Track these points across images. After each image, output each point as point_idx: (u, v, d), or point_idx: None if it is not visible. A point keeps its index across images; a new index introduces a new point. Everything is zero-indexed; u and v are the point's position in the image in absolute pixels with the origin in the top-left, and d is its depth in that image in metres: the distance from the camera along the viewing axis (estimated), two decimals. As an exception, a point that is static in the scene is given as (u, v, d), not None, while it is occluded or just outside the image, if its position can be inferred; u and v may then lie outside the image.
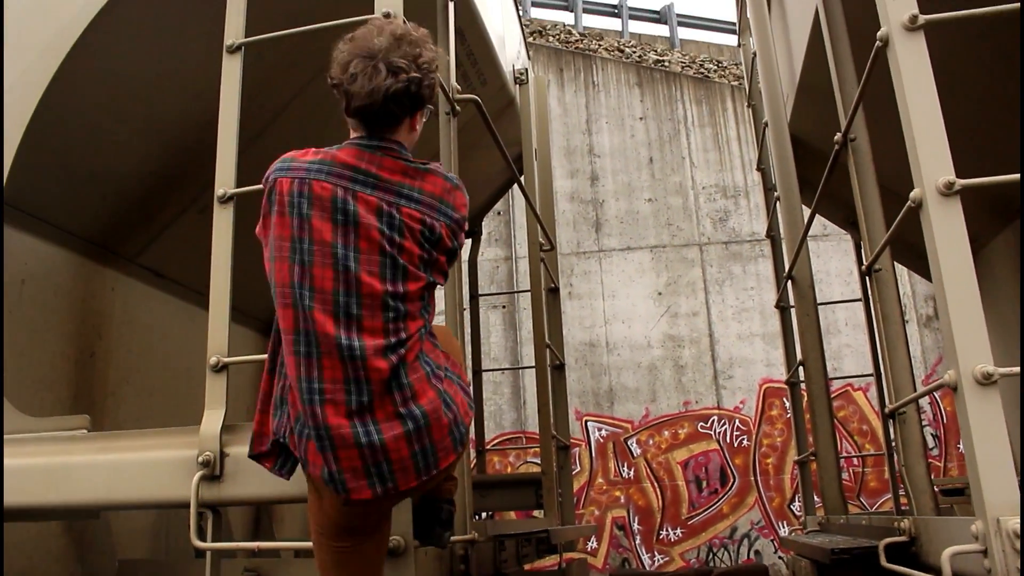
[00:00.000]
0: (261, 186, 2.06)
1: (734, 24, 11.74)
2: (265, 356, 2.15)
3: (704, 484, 10.51)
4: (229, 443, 2.43)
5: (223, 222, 2.58)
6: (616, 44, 12.93)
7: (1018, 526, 1.94)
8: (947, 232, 2.23)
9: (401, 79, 2.00)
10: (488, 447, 10.44)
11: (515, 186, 6.04)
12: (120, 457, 2.58)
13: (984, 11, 2.57)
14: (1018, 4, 2.46)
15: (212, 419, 2.45)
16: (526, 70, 5.63)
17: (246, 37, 2.72)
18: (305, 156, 2.07)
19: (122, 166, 3.64)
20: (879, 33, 2.45)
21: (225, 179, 2.59)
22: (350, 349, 1.92)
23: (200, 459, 2.39)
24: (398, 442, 1.94)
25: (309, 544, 2.14)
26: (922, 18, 2.37)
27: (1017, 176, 2.43)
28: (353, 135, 2.11)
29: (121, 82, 3.33)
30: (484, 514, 7.57)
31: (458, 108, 3.14)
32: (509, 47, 5.51)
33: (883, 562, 2.77)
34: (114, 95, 3.36)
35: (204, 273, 2.61)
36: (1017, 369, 2.52)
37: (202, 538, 2.34)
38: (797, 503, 10.16)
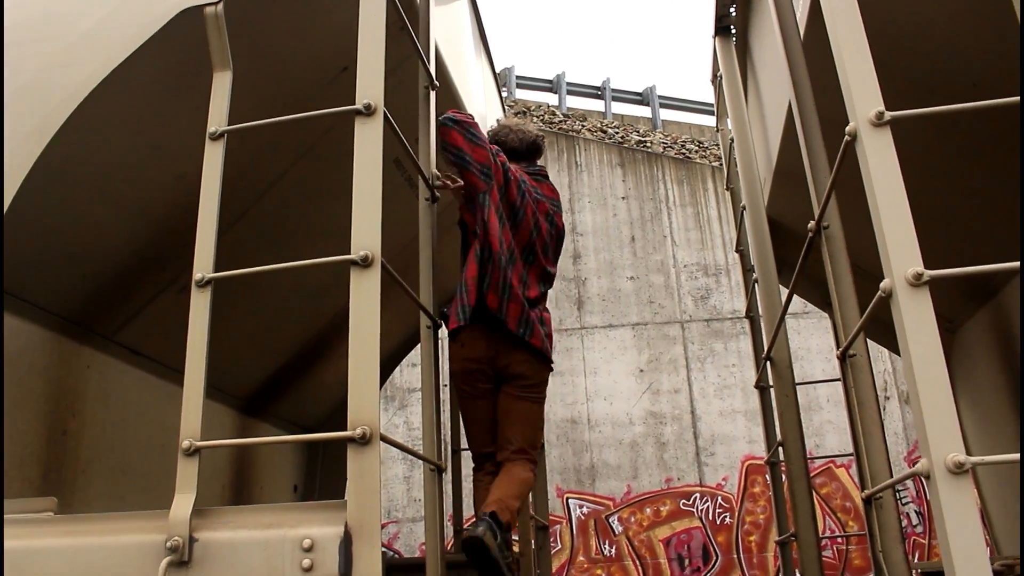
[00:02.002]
0: (242, 270, 2.09)
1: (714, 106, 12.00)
2: (239, 440, 2.16)
3: (687, 562, 10.38)
4: (199, 528, 2.39)
5: (200, 305, 2.58)
6: (599, 125, 13.19)
7: (993, 619, 1.93)
8: (917, 322, 2.26)
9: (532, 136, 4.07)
10: (467, 526, 10.29)
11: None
12: (85, 541, 2.52)
13: (948, 108, 2.65)
14: (981, 103, 2.54)
15: (182, 504, 2.41)
16: (508, 151, 5.71)
17: (229, 124, 2.77)
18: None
19: (103, 245, 3.66)
20: (847, 128, 2.52)
21: (204, 263, 2.60)
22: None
23: (168, 544, 2.35)
24: None
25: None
26: (888, 114, 2.44)
27: (985, 267, 2.47)
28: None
29: (105, 164, 3.36)
30: (462, 596, 7.43)
31: (438, 194, 3.19)
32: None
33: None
34: (97, 176, 3.39)
35: (182, 351, 2.61)
36: (991, 459, 2.54)
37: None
38: (782, 585, 10.05)
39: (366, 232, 2.43)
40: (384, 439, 2.30)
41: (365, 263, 2.38)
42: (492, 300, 3.46)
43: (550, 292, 3.95)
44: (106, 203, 3.46)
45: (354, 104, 2.58)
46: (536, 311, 3.62)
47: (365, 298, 2.37)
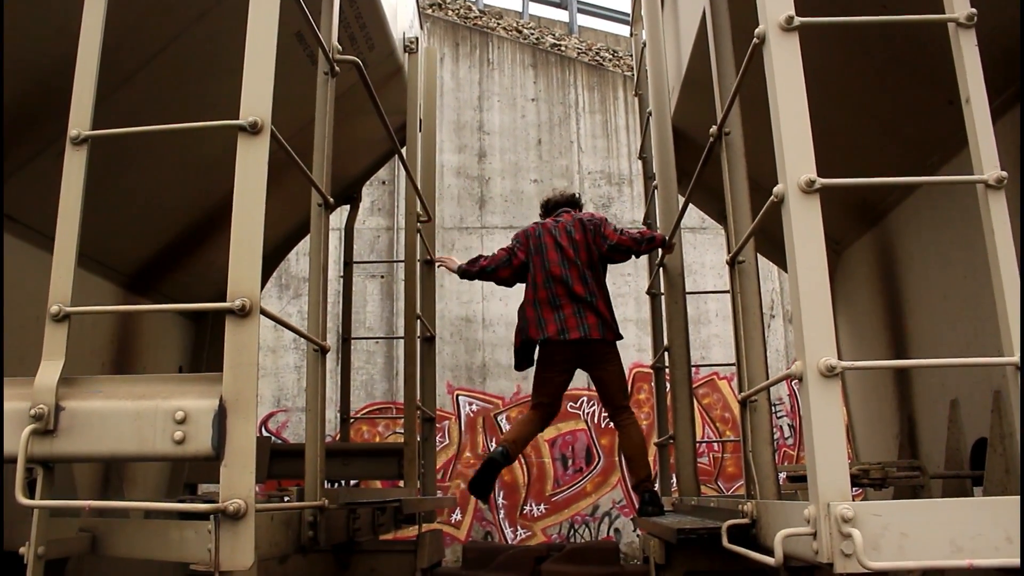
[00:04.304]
0: (121, 129, 1.96)
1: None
2: (111, 308, 2.07)
3: (570, 462, 10.70)
4: (67, 396, 2.29)
5: (75, 165, 2.43)
6: (515, 24, 12.92)
7: (846, 511, 2.03)
8: (804, 228, 2.30)
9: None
10: (356, 416, 10.36)
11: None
12: (-54, 407, 2.40)
13: (856, 20, 2.66)
14: (885, 18, 2.56)
15: (49, 370, 2.30)
16: (416, 39, 5.55)
17: (114, -30, 2.56)
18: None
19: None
20: (756, 31, 2.52)
21: (80, 120, 2.44)
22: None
23: (32, 412, 2.25)
24: None
25: (156, 505, 2.08)
26: (797, 20, 2.44)
27: (873, 180, 2.53)
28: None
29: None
30: (346, 482, 7.50)
31: (337, 69, 3.06)
32: (402, 15, 5.41)
33: (725, 543, 2.88)
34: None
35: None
36: (860, 364, 2.64)
37: (30, 495, 2.22)
38: (658, 484, 10.46)
39: (256, 97, 2.31)
40: (264, 313, 2.24)
41: (254, 130, 2.27)
42: (551, 330, 4.85)
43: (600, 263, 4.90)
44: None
45: (251, -39, 2.42)
46: (585, 300, 4.75)
47: (252, 167, 2.27)
